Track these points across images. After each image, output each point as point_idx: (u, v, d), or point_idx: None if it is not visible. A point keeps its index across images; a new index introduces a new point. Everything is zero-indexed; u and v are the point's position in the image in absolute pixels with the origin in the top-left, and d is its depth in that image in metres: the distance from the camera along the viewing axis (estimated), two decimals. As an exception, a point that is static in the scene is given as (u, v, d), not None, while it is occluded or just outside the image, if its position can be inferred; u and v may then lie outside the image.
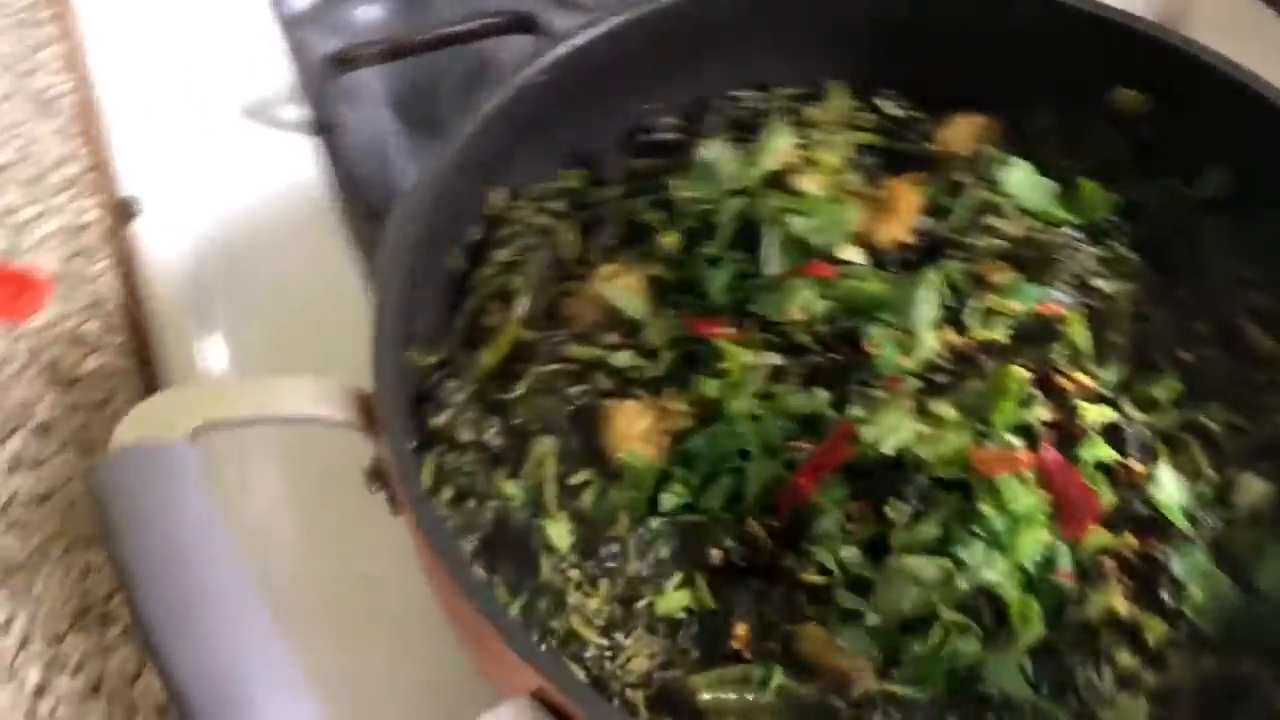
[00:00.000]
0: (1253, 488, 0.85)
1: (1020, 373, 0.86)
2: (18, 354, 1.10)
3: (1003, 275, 0.95)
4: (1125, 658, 0.76)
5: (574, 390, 0.89)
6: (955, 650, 0.75)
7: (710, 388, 0.87)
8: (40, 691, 0.89)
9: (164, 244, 1.13)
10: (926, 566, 0.78)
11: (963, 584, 0.77)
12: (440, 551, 0.67)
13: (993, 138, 1.05)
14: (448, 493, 0.84)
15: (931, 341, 0.91)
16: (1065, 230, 0.98)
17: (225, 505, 0.69)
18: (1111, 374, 0.92)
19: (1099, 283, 0.96)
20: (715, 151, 1.00)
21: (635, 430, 0.86)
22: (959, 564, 0.79)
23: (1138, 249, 0.98)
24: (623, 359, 0.90)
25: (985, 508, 0.80)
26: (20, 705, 0.87)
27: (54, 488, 1.00)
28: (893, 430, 0.84)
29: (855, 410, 0.85)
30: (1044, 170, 1.02)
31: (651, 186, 1.02)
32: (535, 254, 0.97)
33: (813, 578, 0.79)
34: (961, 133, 1.06)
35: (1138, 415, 0.89)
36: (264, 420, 0.73)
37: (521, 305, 0.93)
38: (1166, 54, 0.98)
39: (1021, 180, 1.01)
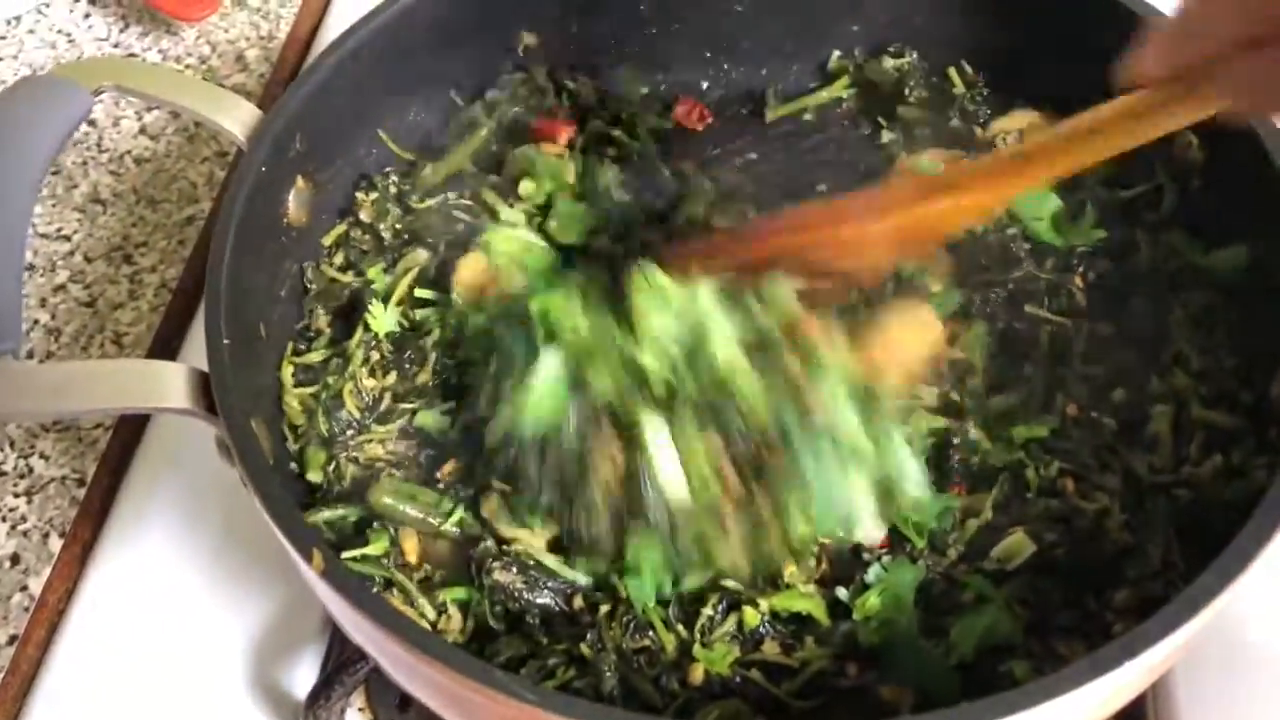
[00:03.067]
0: (1018, 546, 0.79)
1: None
2: (196, 45, 1.33)
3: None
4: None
5: (460, 224, 0.97)
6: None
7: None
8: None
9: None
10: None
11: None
12: (289, 534, 0.68)
13: (1043, 141, 0.99)
14: (339, 258, 0.96)
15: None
16: (1028, 246, 0.92)
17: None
18: (1002, 400, 0.88)
19: (1033, 308, 0.90)
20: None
21: (475, 280, 0.93)
22: None
23: (1098, 291, 0.91)
24: (507, 213, 0.97)
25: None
26: None
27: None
28: None
29: None
30: (1069, 187, 0.96)
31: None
32: (518, 109, 1.04)
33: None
34: (1014, 124, 1.01)
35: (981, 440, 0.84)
36: (95, 413, 0.74)
37: (474, 144, 1.01)
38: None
39: None
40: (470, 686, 0.61)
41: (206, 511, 0.98)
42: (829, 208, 0.84)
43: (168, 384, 0.73)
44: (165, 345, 1.08)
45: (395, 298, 0.92)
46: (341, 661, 0.85)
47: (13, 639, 0.92)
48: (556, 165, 0.99)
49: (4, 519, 0.99)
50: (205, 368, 0.73)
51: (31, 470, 1.01)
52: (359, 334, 0.90)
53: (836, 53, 1.10)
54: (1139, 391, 0.86)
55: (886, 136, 1.05)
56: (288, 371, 0.89)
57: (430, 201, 0.98)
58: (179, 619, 0.94)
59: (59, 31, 1.36)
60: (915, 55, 1.06)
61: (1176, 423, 0.84)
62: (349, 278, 0.94)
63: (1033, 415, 0.87)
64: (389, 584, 0.80)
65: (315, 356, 0.90)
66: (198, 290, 1.12)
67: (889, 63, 1.07)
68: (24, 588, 0.95)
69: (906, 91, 1.06)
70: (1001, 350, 0.89)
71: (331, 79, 0.89)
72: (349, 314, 0.92)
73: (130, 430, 1.02)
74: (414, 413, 0.88)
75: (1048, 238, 0.93)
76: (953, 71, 1.05)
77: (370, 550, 0.80)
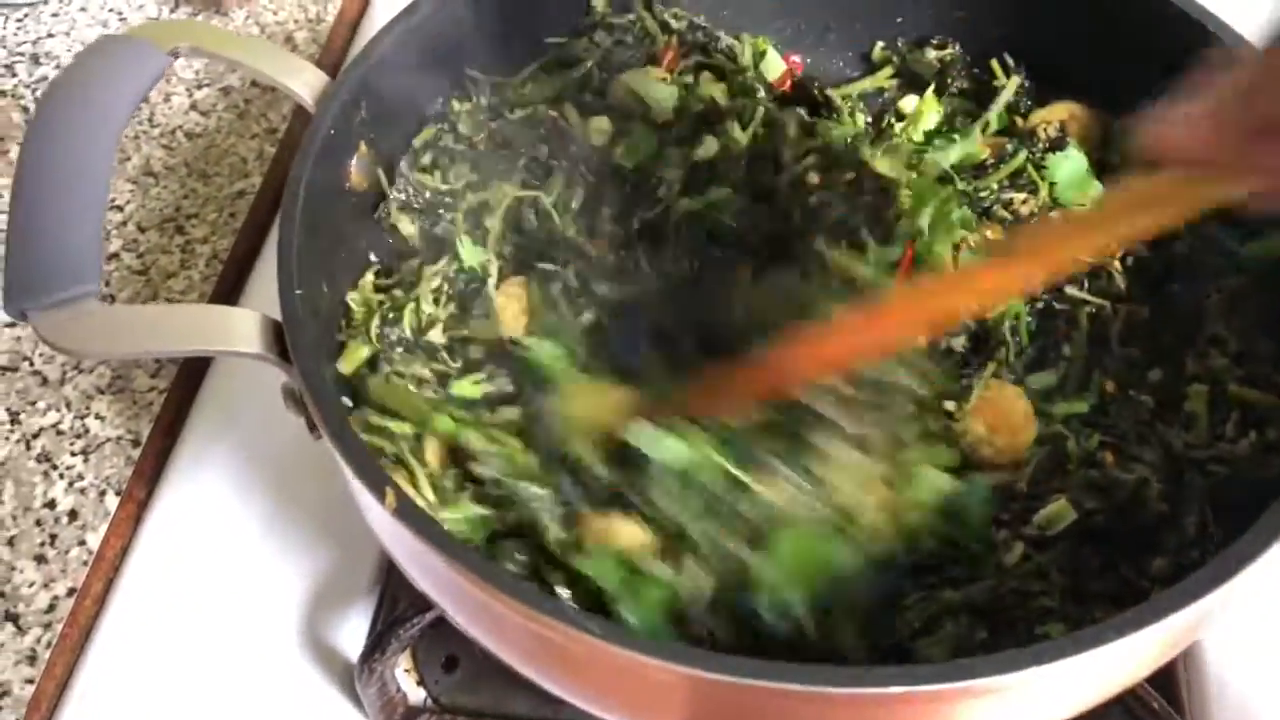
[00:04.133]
0: (1060, 512, 0.81)
1: None
2: (245, 25, 1.36)
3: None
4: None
5: (545, 145, 1.01)
6: None
7: None
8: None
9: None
10: None
11: None
12: (363, 475, 0.68)
13: (1084, 129, 1.02)
14: (426, 158, 0.99)
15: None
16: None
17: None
18: (1041, 377, 0.91)
19: (1073, 290, 0.92)
20: None
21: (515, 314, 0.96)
22: None
23: (1136, 274, 0.93)
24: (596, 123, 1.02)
25: None
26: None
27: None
28: None
29: None
30: (1108, 170, 0.99)
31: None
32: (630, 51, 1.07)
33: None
34: (1055, 114, 1.03)
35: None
36: (170, 354, 0.73)
37: (580, 71, 1.05)
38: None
39: (1069, 171, 0.98)
40: (541, 622, 0.63)
41: (259, 471, 1.00)
42: (852, 320, 0.76)
43: (242, 329, 0.75)
44: (217, 313, 1.10)
45: (493, 236, 0.96)
46: (396, 617, 0.87)
47: (71, 591, 0.95)
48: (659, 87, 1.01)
49: (62, 476, 1.01)
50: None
51: (88, 430, 1.03)
52: (443, 261, 0.94)
53: (880, 43, 1.12)
54: (1176, 371, 0.89)
55: (928, 125, 1.08)
56: (368, 277, 0.93)
57: (520, 113, 1.01)
58: (231, 577, 0.96)
59: (110, 10, 1.38)
60: (958, 47, 1.09)
61: (1213, 401, 0.86)
62: (434, 180, 0.98)
63: (1071, 393, 0.90)
64: (398, 460, 0.82)
65: (409, 264, 0.95)
66: (248, 260, 1.15)
67: (931, 54, 1.10)
68: (82, 542, 0.97)
69: (949, 81, 1.08)
70: (1041, 329, 0.92)
71: (399, 47, 0.92)
72: (432, 227, 0.97)
73: (184, 392, 1.05)
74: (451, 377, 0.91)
75: None
76: (994, 63, 1.08)
77: (392, 427, 0.83)
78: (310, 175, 0.83)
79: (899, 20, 1.11)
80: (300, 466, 0.99)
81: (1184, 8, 0.93)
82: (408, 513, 0.67)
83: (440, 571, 0.67)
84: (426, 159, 0.99)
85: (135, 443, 1.02)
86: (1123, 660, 0.69)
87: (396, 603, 0.94)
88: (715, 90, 1.03)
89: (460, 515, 0.78)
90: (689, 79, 1.04)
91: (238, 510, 0.99)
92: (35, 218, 0.74)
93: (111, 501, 0.99)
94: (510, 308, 0.95)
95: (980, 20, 1.08)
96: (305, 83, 0.88)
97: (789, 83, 1.09)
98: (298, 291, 0.77)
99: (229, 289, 1.12)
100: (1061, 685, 0.67)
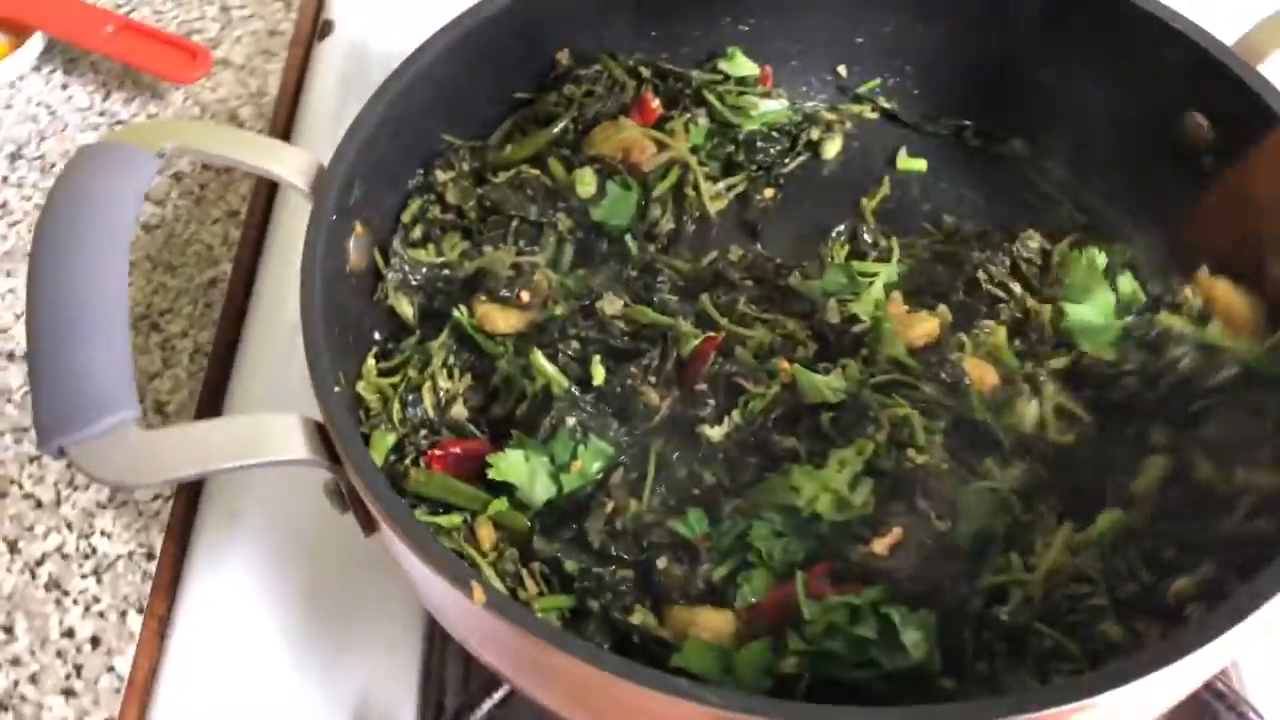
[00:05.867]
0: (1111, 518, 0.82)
1: None
2: (186, 107, 1.32)
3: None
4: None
5: (533, 205, 1.01)
6: None
7: None
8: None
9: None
10: None
11: None
12: (445, 571, 0.66)
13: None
14: (417, 232, 0.98)
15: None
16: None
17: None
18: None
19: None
20: None
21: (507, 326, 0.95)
22: None
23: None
24: (583, 183, 1.02)
25: None
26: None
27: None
28: None
29: None
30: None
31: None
32: (602, 102, 1.07)
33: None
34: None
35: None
36: (221, 472, 0.69)
37: (558, 127, 1.04)
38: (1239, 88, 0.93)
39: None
40: (652, 697, 0.62)
41: (281, 568, 0.97)
42: None
43: (286, 436, 0.73)
44: (209, 410, 1.07)
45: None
46: (463, 703, 0.85)
47: (107, 721, 0.91)
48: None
49: (75, 602, 0.96)
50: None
51: (95, 550, 0.99)
52: (444, 334, 0.93)
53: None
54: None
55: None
56: (370, 362, 0.91)
57: (504, 175, 1.01)
58: (266, 684, 0.93)
59: (39, 104, 1.34)
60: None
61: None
62: (428, 254, 0.97)
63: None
64: (459, 555, 0.79)
65: (408, 343, 0.94)
66: (230, 353, 1.11)
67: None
68: (110, 669, 0.93)
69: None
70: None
71: (384, 122, 0.90)
72: (430, 302, 0.96)
73: (190, 495, 1.01)
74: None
75: None
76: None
77: (442, 522, 0.82)
78: (321, 264, 0.81)
79: (859, 41, 1.13)
80: (322, 556, 0.97)
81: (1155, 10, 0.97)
82: (500, 606, 0.65)
83: (539, 661, 0.66)
84: (417, 233, 0.98)
85: (149, 555, 0.99)
86: (1208, 659, 0.70)
87: (444, 689, 0.91)
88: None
89: (546, 605, 0.77)
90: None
91: (265, 610, 0.96)
92: (58, 345, 0.71)
93: (134, 621, 0.95)
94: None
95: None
96: (297, 168, 0.86)
97: (769, 82, 1.12)
98: (335, 389, 0.75)
99: (216, 385, 1.09)
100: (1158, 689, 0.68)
